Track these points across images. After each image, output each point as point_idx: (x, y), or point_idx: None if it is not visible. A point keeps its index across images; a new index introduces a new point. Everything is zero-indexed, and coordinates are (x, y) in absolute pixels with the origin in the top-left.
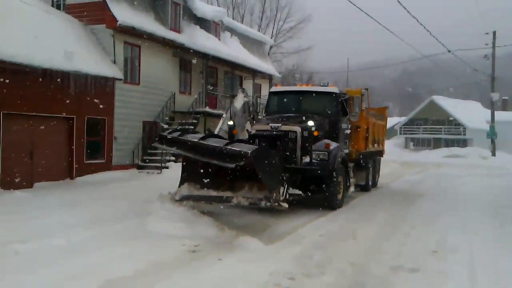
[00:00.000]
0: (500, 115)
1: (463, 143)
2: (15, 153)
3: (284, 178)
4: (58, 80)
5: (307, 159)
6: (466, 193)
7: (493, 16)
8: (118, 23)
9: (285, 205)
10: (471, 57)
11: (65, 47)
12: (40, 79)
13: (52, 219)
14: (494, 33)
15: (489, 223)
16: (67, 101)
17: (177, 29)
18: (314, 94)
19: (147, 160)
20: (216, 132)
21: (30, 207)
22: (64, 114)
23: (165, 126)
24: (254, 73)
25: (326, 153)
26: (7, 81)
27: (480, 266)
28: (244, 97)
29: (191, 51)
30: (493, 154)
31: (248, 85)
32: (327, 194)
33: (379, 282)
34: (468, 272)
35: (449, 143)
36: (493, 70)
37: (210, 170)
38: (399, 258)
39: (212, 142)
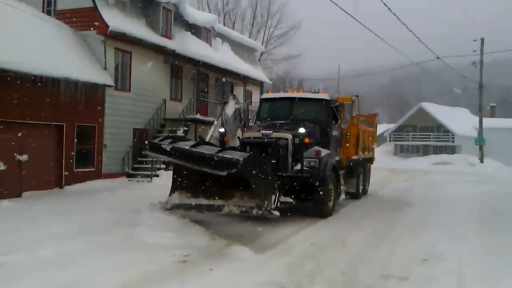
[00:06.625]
0: (488, 122)
1: (451, 150)
2: (3, 162)
3: (276, 186)
4: (48, 87)
5: (298, 166)
6: (454, 200)
7: (482, 22)
8: (109, 29)
9: (277, 213)
10: (460, 63)
11: (55, 53)
12: (29, 86)
13: (39, 230)
14: (482, 40)
15: (477, 230)
16: (57, 109)
17: (169, 36)
18: (305, 101)
19: (137, 168)
20: (207, 140)
21: (17, 217)
22: (54, 121)
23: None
24: (245, 79)
25: (317, 160)
26: None
27: (469, 274)
28: (235, 104)
29: (183, 57)
30: (481, 161)
31: (239, 91)
32: (318, 202)
33: None
34: (457, 279)
35: (437, 150)
36: (481, 77)
37: (201, 178)
38: (388, 267)
39: (203, 149)
